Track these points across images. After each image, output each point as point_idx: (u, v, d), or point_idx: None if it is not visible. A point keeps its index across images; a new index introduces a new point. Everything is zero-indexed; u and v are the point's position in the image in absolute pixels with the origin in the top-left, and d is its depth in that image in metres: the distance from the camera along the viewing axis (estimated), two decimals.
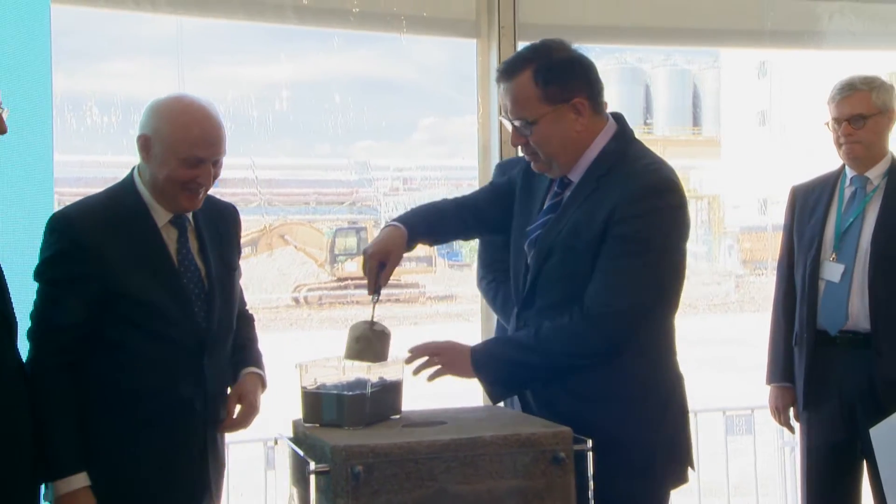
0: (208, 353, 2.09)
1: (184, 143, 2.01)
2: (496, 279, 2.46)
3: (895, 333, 2.69)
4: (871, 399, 2.71)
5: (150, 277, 2.02)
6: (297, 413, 2.05)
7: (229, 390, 2.19)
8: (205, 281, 2.10)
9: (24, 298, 2.02)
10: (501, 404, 2.15)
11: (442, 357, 2.04)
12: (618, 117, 2.13)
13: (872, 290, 2.70)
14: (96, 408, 1.98)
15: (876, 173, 2.79)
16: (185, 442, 2.07)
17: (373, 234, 22.01)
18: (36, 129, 2.73)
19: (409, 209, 2.25)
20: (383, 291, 2.11)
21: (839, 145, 2.80)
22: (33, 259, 2.05)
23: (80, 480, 1.94)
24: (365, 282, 2.11)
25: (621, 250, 1.95)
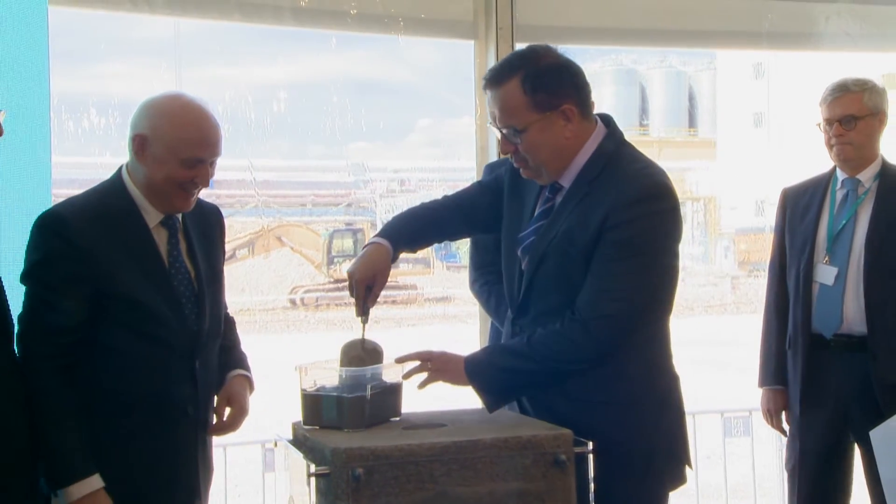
0: (200, 355, 2.08)
1: (185, 143, 1.99)
2: (489, 281, 2.46)
3: (891, 337, 2.70)
4: (867, 402, 2.71)
5: (141, 279, 1.99)
6: (296, 415, 2.05)
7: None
8: (194, 283, 2.09)
9: (18, 304, 1.99)
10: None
11: (433, 363, 2.04)
12: (606, 119, 2.12)
13: (868, 294, 2.70)
14: (88, 412, 1.95)
15: (867, 175, 2.79)
16: (178, 445, 2.05)
17: (369, 236, 21.99)
18: (33, 131, 2.72)
19: (391, 217, 2.24)
20: (385, 289, 2.11)
21: (830, 146, 2.81)
22: None
23: (95, 482, 1.91)
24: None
25: (614, 255, 1.95)
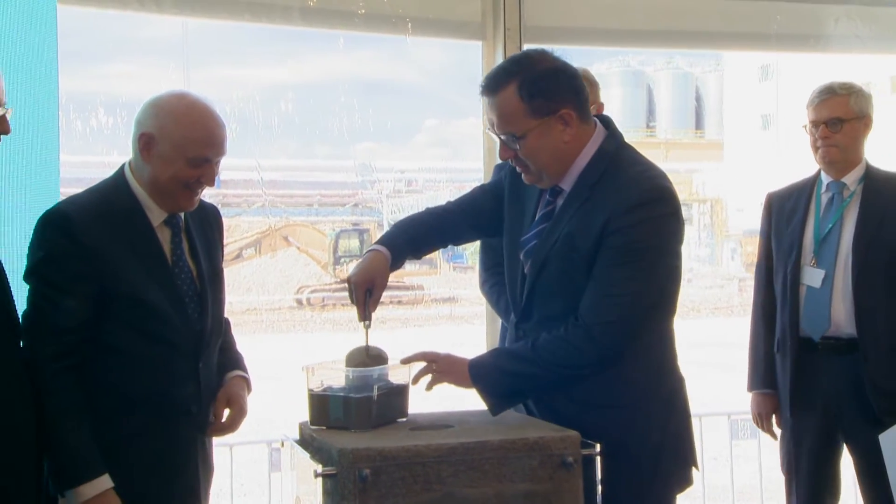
0: (203, 354, 2.07)
1: (191, 142, 1.98)
2: (499, 283, 2.45)
3: (880, 339, 2.71)
4: (856, 404, 2.72)
5: (145, 277, 1.98)
6: (303, 415, 2.05)
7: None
8: (197, 282, 2.08)
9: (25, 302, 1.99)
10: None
11: (438, 364, 2.03)
12: (605, 121, 2.11)
13: (856, 297, 2.71)
14: (91, 411, 1.93)
15: (852, 179, 2.80)
16: (180, 444, 2.05)
17: (376, 236, 22.05)
18: (42, 130, 2.73)
19: (393, 224, 2.24)
20: (391, 289, 2.10)
21: (816, 149, 2.83)
22: None
23: (105, 482, 1.90)
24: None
25: (616, 260, 1.94)
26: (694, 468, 2.13)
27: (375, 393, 1.96)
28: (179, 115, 1.99)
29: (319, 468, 1.79)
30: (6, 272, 1.92)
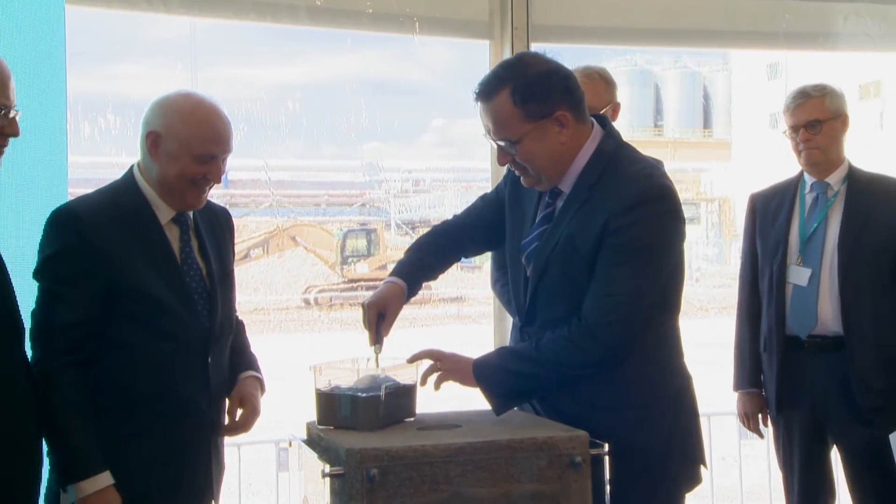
0: (213, 352, 2.08)
1: (198, 139, 2.01)
2: None
3: (866, 336, 2.73)
4: (843, 402, 2.75)
5: (153, 274, 2.00)
6: (309, 415, 2.05)
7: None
8: (206, 280, 2.10)
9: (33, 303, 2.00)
10: (516, 408, 2.15)
11: (444, 363, 2.04)
12: (603, 121, 2.10)
13: (843, 295, 2.74)
14: (101, 408, 1.95)
15: (835, 179, 2.85)
16: (190, 441, 2.06)
17: (383, 236, 22.08)
18: (50, 131, 2.73)
19: (407, 249, 2.27)
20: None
21: (798, 152, 2.87)
22: None
23: (106, 479, 1.91)
24: (375, 282, 2.11)
25: (616, 259, 1.94)
26: (702, 467, 2.12)
27: (383, 393, 1.96)
28: (185, 113, 2.02)
29: (327, 468, 1.79)
30: (12, 272, 1.93)
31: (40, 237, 1.99)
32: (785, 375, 2.83)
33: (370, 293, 2.17)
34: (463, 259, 2.38)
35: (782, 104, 2.92)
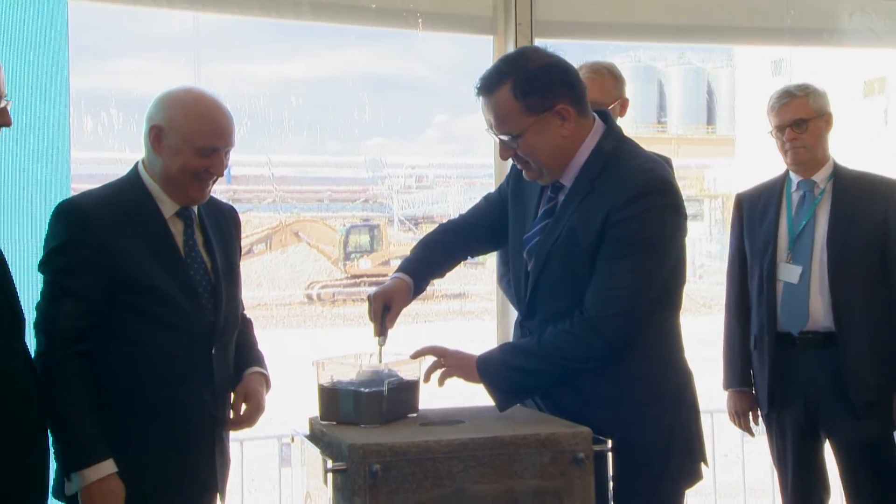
0: (216, 345, 2.09)
1: (200, 132, 2.03)
2: None
3: (858, 331, 2.77)
4: (835, 397, 2.77)
5: (157, 266, 2.02)
6: (313, 410, 2.05)
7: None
8: (211, 274, 2.11)
9: (38, 296, 2.00)
10: (518, 404, 2.14)
11: (448, 360, 2.05)
12: (604, 116, 2.10)
13: (834, 291, 2.77)
14: (105, 399, 1.97)
15: (821, 177, 2.89)
16: (194, 434, 2.07)
17: (386, 232, 22.08)
18: (53, 127, 2.73)
19: (413, 247, 2.28)
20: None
21: (784, 152, 2.91)
22: None
23: (109, 467, 1.93)
24: (378, 278, 2.11)
25: (617, 253, 1.94)
26: (703, 464, 2.12)
27: (386, 388, 1.96)
28: (187, 107, 2.05)
29: (330, 463, 1.79)
30: (15, 267, 1.94)
31: (46, 230, 2.01)
32: (777, 372, 2.86)
33: (373, 289, 2.17)
34: (469, 257, 2.39)
35: (767, 104, 2.95)
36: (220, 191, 2.24)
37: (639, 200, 1.94)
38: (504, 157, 2.07)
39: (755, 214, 2.98)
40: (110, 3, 3.34)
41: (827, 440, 2.88)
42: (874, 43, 3.97)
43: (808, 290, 2.81)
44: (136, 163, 2.11)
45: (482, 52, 3.57)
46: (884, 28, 3.87)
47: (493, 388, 2.01)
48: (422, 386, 2.08)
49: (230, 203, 2.36)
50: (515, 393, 2.03)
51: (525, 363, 1.99)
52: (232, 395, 2.18)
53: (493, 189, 2.43)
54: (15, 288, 1.93)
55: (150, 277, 2.00)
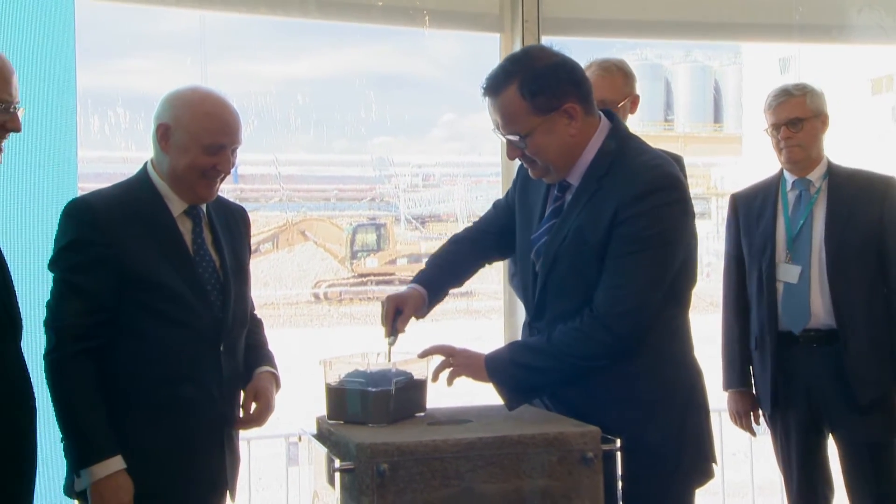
0: (225, 342, 2.10)
1: (207, 130, 2.04)
2: None
3: (859, 328, 2.77)
4: (838, 394, 2.77)
5: (166, 264, 2.03)
6: (320, 409, 2.05)
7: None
8: (220, 272, 2.12)
9: (45, 295, 2.01)
10: (527, 404, 2.14)
11: (456, 358, 2.04)
12: (609, 114, 2.10)
13: (833, 288, 2.78)
14: (113, 395, 1.98)
15: (816, 175, 2.89)
16: (203, 431, 2.08)
17: (393, 231, 22.10)
18: (59, 126, 2.74)
19: (427, 260, 2.29)
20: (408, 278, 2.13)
21: (779, 150, 2.91)
22: None
23: (117, 463, 1.94)
24: (385, 277, 2.11)
25: (626, 250, 1.93)
26: (713, 463, 2.11)
27: (394, 387, 1.96)
28: (194, 105, 2.06)
29: (337, 463, 1.78)
30: (21, 265, 1.94)
31: (55, 229, 2.02)
32: (779, 371, 2.85)
33: (380, 287, 2.18)
34: (486, 264, 2.39)
35: (764, 102, 2.95)
36: (226, 190, 2.25)
37: (647, 197, 1.93)
38: (511, 156, 2.06)
39: (751, 215, 2.98)
40: (117, 2, 3.34)
41: (830, 437, 2.88)
42: (882, 39, 3.95)
43: (809, 289, 2.81)
44: (145, 163, 2.13)
45: (489, 50, 3.57)
46: (892, 24, 3.85)
47: (501, 387, 2.00)
48: (429, 385, 2.07)
49: (241, 205, 2.37)
50: (524, 391, 2.03)
51: (534, 361, 1.99)
52: (242, 393, 2.18)
53: (499, 187, 2.43)
54: (14, 292, 1.94)
55: (158, 274, 2.01)
